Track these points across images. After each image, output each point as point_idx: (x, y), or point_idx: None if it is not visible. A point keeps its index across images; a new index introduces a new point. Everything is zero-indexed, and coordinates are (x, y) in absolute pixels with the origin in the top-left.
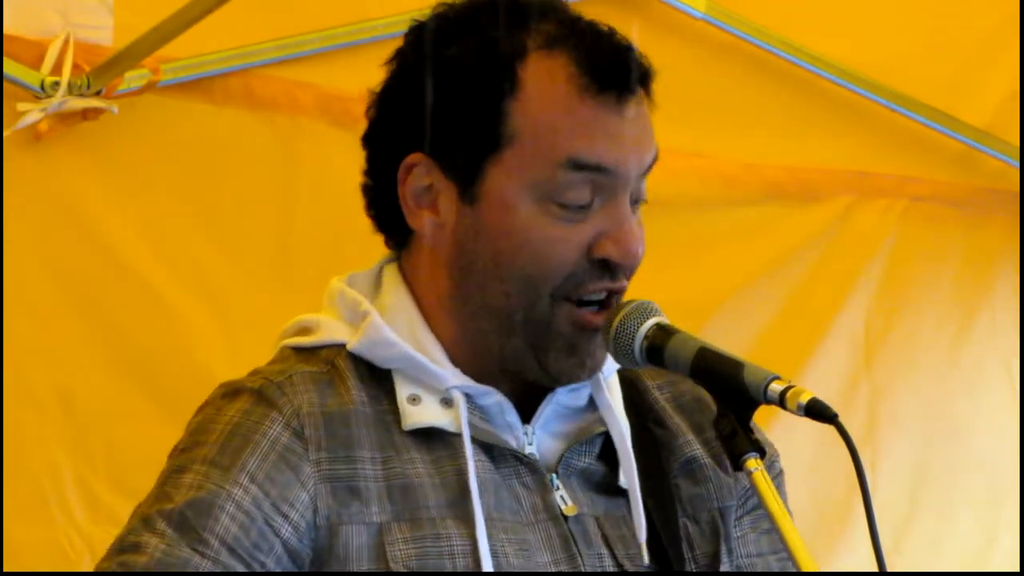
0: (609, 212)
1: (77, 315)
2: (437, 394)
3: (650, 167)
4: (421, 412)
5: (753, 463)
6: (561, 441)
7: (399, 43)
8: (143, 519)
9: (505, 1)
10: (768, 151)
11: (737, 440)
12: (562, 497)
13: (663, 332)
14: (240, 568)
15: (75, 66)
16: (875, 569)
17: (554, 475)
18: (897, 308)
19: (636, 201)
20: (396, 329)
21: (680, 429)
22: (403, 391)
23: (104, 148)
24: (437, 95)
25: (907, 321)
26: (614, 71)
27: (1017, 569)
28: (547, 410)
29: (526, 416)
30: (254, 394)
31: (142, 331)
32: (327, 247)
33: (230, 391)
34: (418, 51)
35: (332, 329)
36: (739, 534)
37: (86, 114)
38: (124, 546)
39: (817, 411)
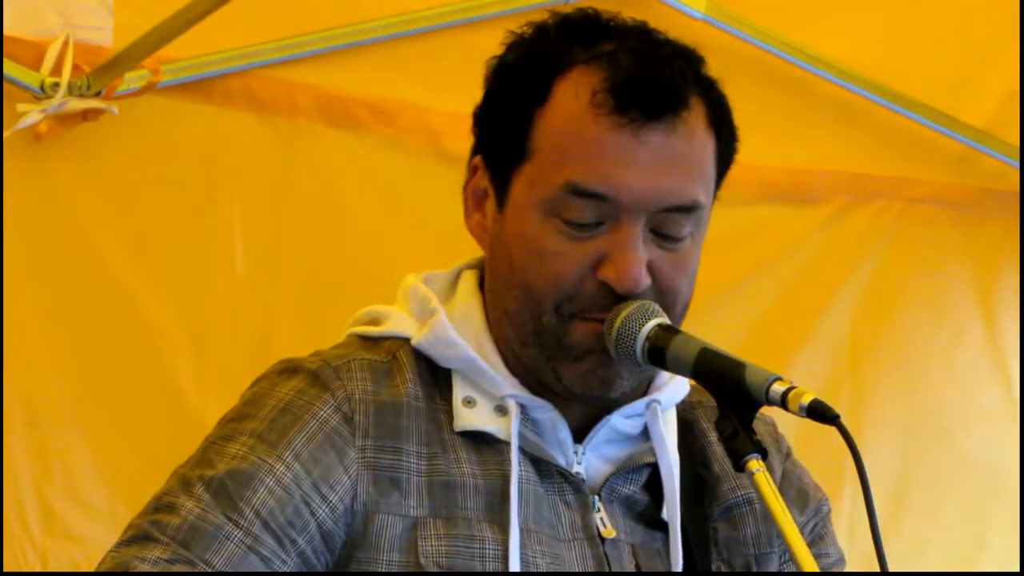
0: (614, 236)
1: (49, 323)
2: (492, 400)
3: (682, 208)
4: (474, 415)
5: (755, 464)
6: (610, 465)
7: (398, 44)
8: (182, 481)
9: (590, 17)
10: (766, 153)
11: (739, 441)
12: (602, 519)
13: (665, 333)
14: (270, 540)
15: (75, 67)
16: (863, 567)
17: (596, 497)
18: (887, 310)
19: (669, 238)
20: (462, 332)
21: (727, 474)
22: (459, 393)
23: (104, 149)
24: (490, 101)
25: (897, 323)
26: (638, 91)
27: (1015, 568)
28: (600, 433)
29: (579, 436)
30: (310, 375)
31: (112, 344)
32: (320, 250)
33: (288, 368)
34: (496, 59)
35: (400, 322)
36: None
37: (86, 115)
38: (160, 505)
39: (819, 412)
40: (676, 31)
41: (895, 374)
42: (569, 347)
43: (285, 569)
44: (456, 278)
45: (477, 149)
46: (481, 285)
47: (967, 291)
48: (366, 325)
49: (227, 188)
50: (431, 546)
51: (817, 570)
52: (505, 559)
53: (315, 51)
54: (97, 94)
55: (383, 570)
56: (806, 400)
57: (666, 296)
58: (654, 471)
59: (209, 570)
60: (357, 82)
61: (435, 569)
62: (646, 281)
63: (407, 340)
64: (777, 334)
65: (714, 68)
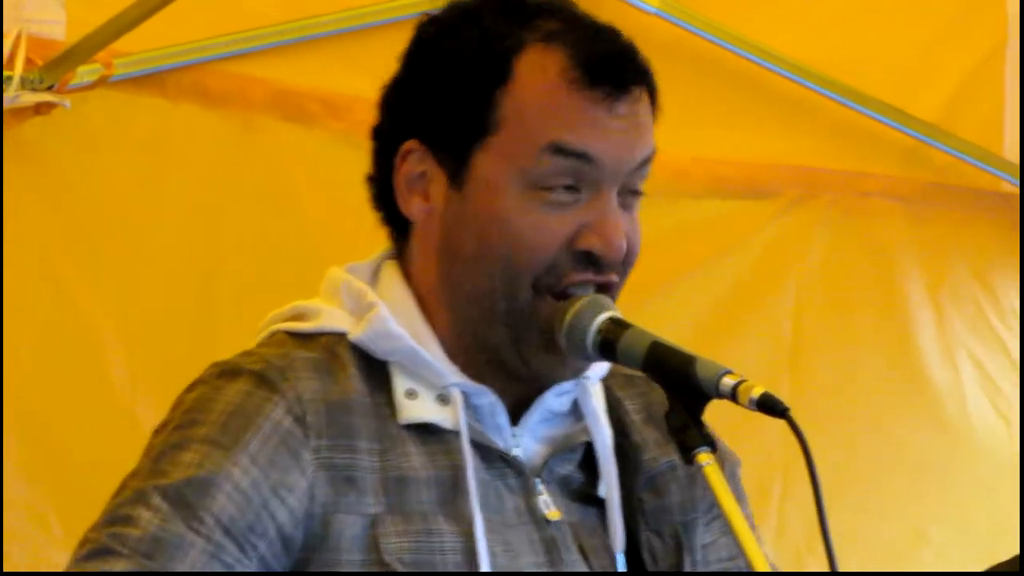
0: (594, 205)
1: None
2: (434, 390)
3: (646, 161)
4: (418, 407)
5: (704, 457)
6: (546, 446)
7: (351, 39)
8: (137, 492)
9: None
10: (716, 146)
11: (688, 434)
12: (545, 502)
13: (616, 326)
14: (233, 548)
15: (27, 60)
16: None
17: (538, 479)
18: (836, 303)
19: (634, 192)
20: (397, 322)
21: (647, 443)
22: (400, 385)
23: (56, 142)
24: (433, 83)
25: (845, 316)
26: (607, 67)
27: (956, 562)
28: (535, 415)
29: (513, 418)
30: (255, 376)
31: (46, 336)
32: (271, 243)
33: (228, 371)
34: (421, 42)
35: (333, 317)
36: (710, 539)
37: (38, 108)
38: (116, 517)
39: (769, 406)
40: (628, 25)
41: (838, 367)
42: (537, 328)
43: None
44: (377, 269)
45: (403, 133)
46: (403, 273)
47: (916, 284)
48: (291, 321)
49: (178, 182)
50: (393, 543)
51: (767, 567)
52: (465, 551)
53: (267, 45)
54: (50, 88)
55: (345, 570)
56: (756, 393)
57: (630, 258)
58: (587, 447)
59: None
60: (309, 76)
61: (400, 567)
62: (626, 247)
63: (343, 335)
64: (727, 327)
65: (666, 62)
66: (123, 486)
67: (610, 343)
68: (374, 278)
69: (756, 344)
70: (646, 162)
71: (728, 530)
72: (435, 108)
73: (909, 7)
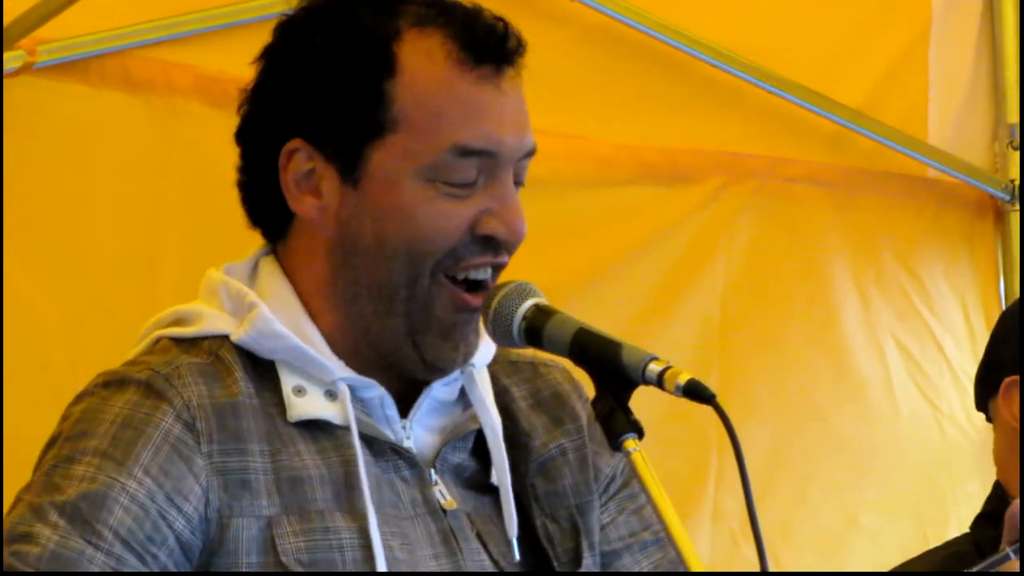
0: (493, 190)
1: None
2: (322, 386)
3: (530, 153)
4: (307, 404)
5: (631, 443)
6: (436, 436)
7: (277, 23)
8: (33, 509)
9: None
10: (641, 132)
11: (615, 421)
12: (440, 492)
13: (542, 313)
14: (133, 560)
15: None
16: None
17: (432, 470)
18: (761, 289)
19: (517, 184)
20: (280, 320)
21: (535, 429)
22: (288, 382)
23: None
24: (313, 80)
25: (771, 301)
26: (490, 42)
27: (887, 544)
28: (423, 405)
29: (402, 411)
30: (142, 385)
31: None
32: (199, 229)
33: (114, 380)
34: (290, 41)
35: (215, 320)
36: (607, 520)
37: None
38: (14, 536)
39: (695, 392)
40: (553, 10)
41: (766, 353)
42: (434, 317)
43: None
44: (254, 267)
45: (283, 134)
46: (283, 268)
47: (842, 270)
48: (172, 326)
49: (104, 169)
50: (289, 543)
51: (698, 558)
52: (362, 547)
53: (192, 31)
54: None
55: (243, 571)
56: (683, 380)
57: (520, 241)
58: (478, 435)
59: None
60: (235, 62)
61: (297, 567)
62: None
63: (226, 337)
64: (656, 314)
65: (590, 49)
66: (17, 500)
67: (536, 330)
68: (252, 276)
69: (685, 330)
70: (530, 155)
71: (624, 508)
72: (318, 106)
73: None
